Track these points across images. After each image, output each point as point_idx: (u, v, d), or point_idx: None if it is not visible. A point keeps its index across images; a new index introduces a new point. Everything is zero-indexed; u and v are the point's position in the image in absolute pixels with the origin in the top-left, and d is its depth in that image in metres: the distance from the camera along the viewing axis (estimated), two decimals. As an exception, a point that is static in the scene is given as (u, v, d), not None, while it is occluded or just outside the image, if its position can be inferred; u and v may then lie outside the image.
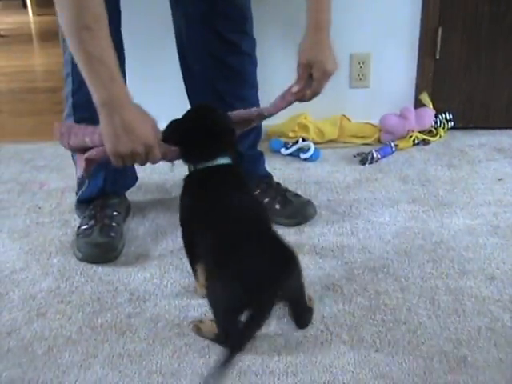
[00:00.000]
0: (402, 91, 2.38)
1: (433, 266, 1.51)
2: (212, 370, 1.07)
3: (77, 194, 1.76)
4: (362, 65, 2.34)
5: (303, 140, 2.21)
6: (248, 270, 1.14)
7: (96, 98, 1.19)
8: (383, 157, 2.17)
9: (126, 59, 1.61)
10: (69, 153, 1.84)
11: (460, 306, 1.35)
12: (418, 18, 2.28)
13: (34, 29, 5.71)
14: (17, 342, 1.27)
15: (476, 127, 2.41)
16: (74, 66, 1.57)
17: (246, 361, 1.19)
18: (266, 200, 1.74)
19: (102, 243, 1.57)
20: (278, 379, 1.16)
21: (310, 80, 1.46)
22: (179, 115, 1.34)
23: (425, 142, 2.29)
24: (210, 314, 1.23)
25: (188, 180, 1.35)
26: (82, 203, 1.74)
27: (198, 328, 1.27)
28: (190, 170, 1.35)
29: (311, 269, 1.50)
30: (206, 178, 1.31)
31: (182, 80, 1.77)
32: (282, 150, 2.22)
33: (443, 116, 2.35)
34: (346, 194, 1.91)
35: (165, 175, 2.05)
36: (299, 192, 1.81)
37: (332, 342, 1.25)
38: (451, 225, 1.71)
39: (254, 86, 1.78)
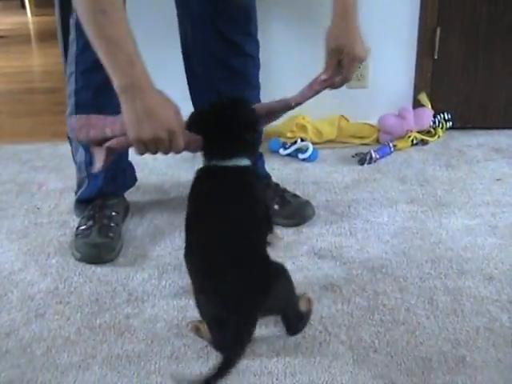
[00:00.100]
0: (401, 91, 2.38)
1: (431, 266, 1.51)
2: (207, 376, 1.07)
3: (76, 193, 1.76)
4: (360, 65, 2.33)
5: (302, 140, 2.21)
6: (225, 289, 1.13)
7: (116, 84, 1.16)
8: (382, 157, 2.17)
9: None
10: (67, 153, 1.85)
11: (458, 306, 1.36)
12: (416, 18, 2.29)
13: (33, 29, 5.71)
14: (15, 343, 1.27)
15: (474, 127, 2.41)
16: (77, 65, 1.58)
17: (245, 361, 1.19)
18: (265, 200, 1.74)
19: (100, 243, 1.57)
20: (277, 379, 1.15)
21: (339, 67, 1.42)
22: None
23: (423, 142, 2.30)
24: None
25: (197, 175, 1.29)
26: (81, 203, 1.74)
27: (197, 328, 1.27)
28: (204, 164, 1.31)
29: (310, 269, 1.50)
30: (212, 179, 1.28)
31: (185, 80, 1.77)
32: (281, 151, 2.22)
33: (441, 116, 2.35)
34: (344, 194, 1.91)
35: (163, 176, 2.06)
36: (298, 192, 1.82)
37: (330, 343, 1.25)
38: (449, 225, 1.71)
39: (257, 88, 1.78)
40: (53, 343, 1.27)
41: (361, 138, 2.33)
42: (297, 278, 1.37)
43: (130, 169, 1.83)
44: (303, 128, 2.30)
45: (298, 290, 1.26)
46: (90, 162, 1.69)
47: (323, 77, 1.43)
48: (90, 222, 1.63)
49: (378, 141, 2.31)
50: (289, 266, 1.34)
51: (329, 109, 2.31)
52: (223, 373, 1.06)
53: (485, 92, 2.37)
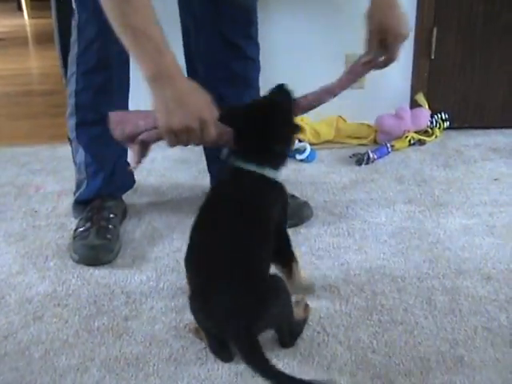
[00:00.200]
0: (398, 91, 2.38)
1: (429, 266, 1.51)
2: None
3: (74, 194, 1.76)
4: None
5: (299, 141, 2.21)
6: (215, 309, 1.12)
7: (144, 73, 1.13)
8: (379, 157, 2.17)
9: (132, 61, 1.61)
10: (65, 156, 1.85)
11: (456, 306, 1.36)
12: (413, 18, 2.28)
13: (30, 32, 5.70)
14: (13, 346, 1.27)
15: (471, 127, 2.42)
16: (78, 66, 1.59)
17: (243, 362, 1.19)
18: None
19: (98, 245, 1.57)
20: (275, 381, 1.16)
21: (381, 48, 1.38)
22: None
23: (420, 143, 2.30)
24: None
25: (220, 177, 1.25)
26: (80, 204, 1.74)
27: (196, 330, 1.26)
28: (231, 162, 1.25)
29: (308, 270, 1.49)
30: (229, 185, 1.24)
31: None
32: (278, 152, 2.22)
33: (439, 116, 2.35)
34: (342, 194, 1.91)
35: (161, 178, 2.05)
36: (295, 193, 1.81)
37: (329, 343, 1.25)
38: (447, 225, 1.71)
39: (257, 90, 1.78)
40: (51, 346, 1.26)
41: (358, 138, 2.33)
42: (295, 278, 1.37)
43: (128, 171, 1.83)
44: (301, 129, 2.30)
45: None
46: (89, 163, 1.70)
47: (365, 59, 1.38)
48: (88, 224, 1.63)
49: (375, 141, 2.31)
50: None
51: (326, 109, 2.27)
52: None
53: (482, 91, 2.37)
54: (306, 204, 1.76)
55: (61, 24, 2.02)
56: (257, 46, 1.75)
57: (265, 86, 1.80)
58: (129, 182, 1.85)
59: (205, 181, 1.94)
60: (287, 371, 1.16)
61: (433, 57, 2.32)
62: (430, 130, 2.35)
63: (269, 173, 1.23)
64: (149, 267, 1.54)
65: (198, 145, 1.19)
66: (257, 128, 1.21)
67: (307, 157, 2.17)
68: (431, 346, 1.24)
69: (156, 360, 1.22)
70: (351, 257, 1.56)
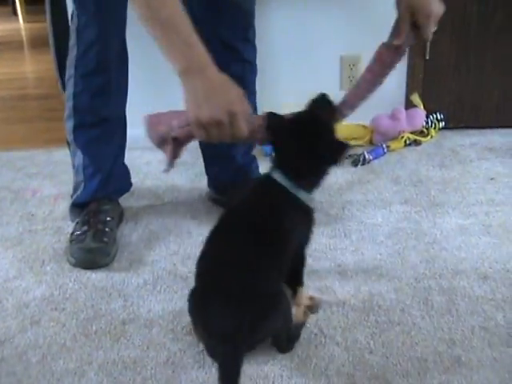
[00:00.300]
0: (393, 92, 2.38)
1: (426, 267, 1.51)
2: None
3: (72, 197, 1.76)
4: (352, 67, 2.34)
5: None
6: (211, 322, 1.12)
7: (175, 67, 1.12)
8: (375, 158, 2.17)
9: (130, 63, 1.63)
10: (61, 159, 1.85)
11: (453, 306, 1.36)
12: (407, 19, 2.29)
13: (25, 36, 5.69)
14: (11, 351, 1.27)
15: (467, 127, 2.42)
16: (76, 69, 1.59)
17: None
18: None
19: (95, 248, 1.57)
20: (273, 383, 1.16)
21: (411, 31, 1.31)
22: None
23: (416, 143, 2.30)
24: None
25: (251, 184, 1.22)
26: (76, 207, 1.74)
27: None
28: (269, 169, 1.23)
29: (304, 271, 1.49)
30: (258, 195, 1.22)
31: None
32: (275, 153, 2.22)
33: (434, 116, 2.36)
34: (338, 195, 1.92)
35: (158, 181, 2.05)
36: (292, 195, 1.81)
37: (326, 345, 1.25)
38: (444, 225, 1.71)
39: (253, 93, 1.79)
40: (48, 350, 1.26)
41: (354, 139, 2.33)
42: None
43: (125, 173, 1.83)
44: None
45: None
46: (87, 165, 1.70)
47: (397, 42, 1.31)
48: (85, 227, 1.63)
49: (371, 142, 2.31)
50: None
51: (322, 111, 2.31)
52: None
53: (477, 91, 2.38)
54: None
55: (55, 28, 2.02)
56: (254, 48, 1.75)
57: (262, 89, 1.82)
58: (125, 184, 1.85)
59: (202, 183, 1.94)
60: (285, 373, 1.17)
61: (427, 57, 2.32)
62: (425, 130, 2.35)
63: (302, 195, 1.21)
64: (146, 270, 1.54)
65: (228, 140, 1.15)
66: (305, 146, 1.19)
67: (303, 158, 2.16)
68: (428, 346, 1.24)
69: (154, 363, 1.22)
70: (348, 258, 1.56)
